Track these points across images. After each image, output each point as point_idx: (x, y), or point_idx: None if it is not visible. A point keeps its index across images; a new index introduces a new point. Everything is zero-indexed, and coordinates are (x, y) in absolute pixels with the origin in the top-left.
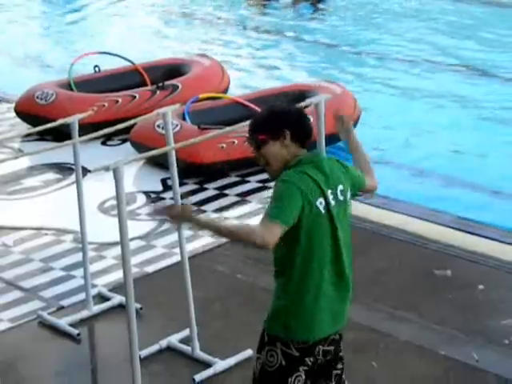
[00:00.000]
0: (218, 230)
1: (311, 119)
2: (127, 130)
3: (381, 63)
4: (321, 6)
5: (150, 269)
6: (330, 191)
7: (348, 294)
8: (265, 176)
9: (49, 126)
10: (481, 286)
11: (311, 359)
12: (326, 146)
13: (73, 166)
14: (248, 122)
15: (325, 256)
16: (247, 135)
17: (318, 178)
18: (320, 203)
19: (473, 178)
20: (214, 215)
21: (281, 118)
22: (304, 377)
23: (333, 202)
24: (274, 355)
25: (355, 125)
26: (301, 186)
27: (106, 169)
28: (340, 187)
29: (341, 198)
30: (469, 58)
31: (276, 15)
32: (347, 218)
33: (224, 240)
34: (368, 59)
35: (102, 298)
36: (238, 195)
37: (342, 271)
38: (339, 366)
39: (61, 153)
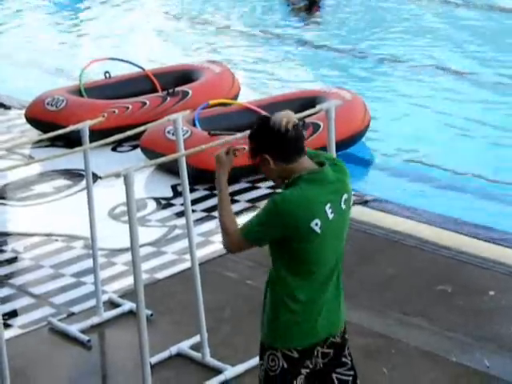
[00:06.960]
0: (219, 209)
1: (304, 134)
2: (137, 136)
3: (392, 69)
4: (318, 13)
5: (161, 275)
6: (329, 205)
7: (341, 297)
8: None
9: (59, 132)
10: (491, 292)
11: (312, 361)
12: (336, 152)
13: (83, 172)
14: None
15: (327, 266)
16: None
17: (316, 194)
18: (316, 224)
19: (483, 184)
20: None
21: (259, 142)
22: (306, 381)
23: (331, 216)
24: (275, 359)
25: (365, 131)
26: (288, 217)
27: (117, 175)
28: (345, 196)
29: (343, 206)
30: (480, 64)
31: (285, 22)
32: (346, 225)
33: None
34: (379, 65)
35: (112, 304)
36: (248, 201)
37: (337, 277)
38: (343, 371)
39: (71, 159)
